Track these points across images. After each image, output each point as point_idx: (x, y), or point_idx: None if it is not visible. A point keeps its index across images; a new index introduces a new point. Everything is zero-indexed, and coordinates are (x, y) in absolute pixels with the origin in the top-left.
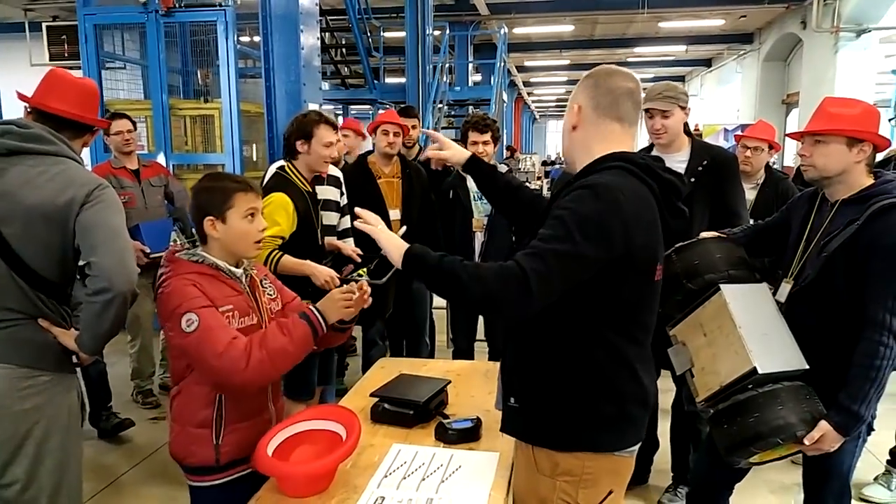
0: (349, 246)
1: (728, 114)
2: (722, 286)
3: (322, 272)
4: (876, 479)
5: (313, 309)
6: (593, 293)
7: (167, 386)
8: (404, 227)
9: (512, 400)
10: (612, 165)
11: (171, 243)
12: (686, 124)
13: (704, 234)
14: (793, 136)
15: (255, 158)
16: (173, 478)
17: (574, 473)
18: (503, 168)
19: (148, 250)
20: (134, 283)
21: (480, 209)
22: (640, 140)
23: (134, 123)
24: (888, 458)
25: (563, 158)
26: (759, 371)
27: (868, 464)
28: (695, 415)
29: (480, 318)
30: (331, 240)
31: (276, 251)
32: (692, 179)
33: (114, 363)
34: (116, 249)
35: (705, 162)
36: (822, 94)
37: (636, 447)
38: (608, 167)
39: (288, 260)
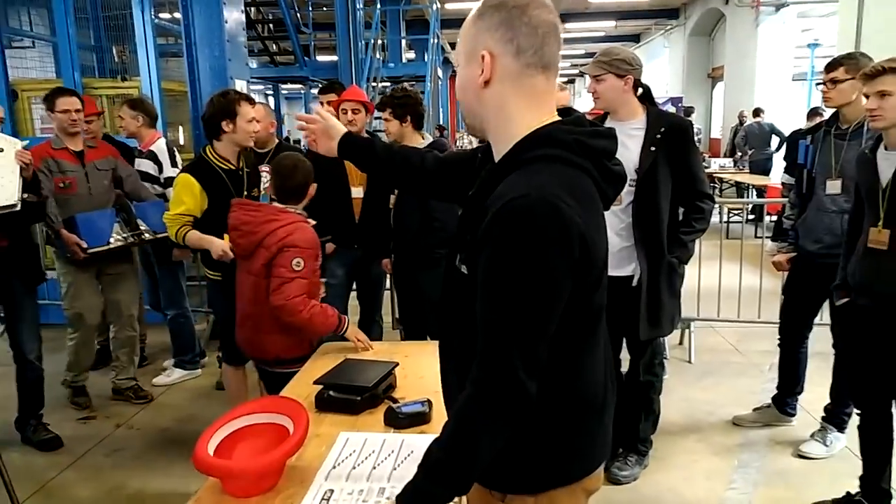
0: None
1: (657, 88)
2: None
3: (217, 245)
4: (812, 435)
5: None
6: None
7: (120, 389)
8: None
9: None
10: (540, 156)
11: (113, 236)
12: (646, 91)
13: None
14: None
15: (181, 142)
16: (107, 477)
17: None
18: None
19: (84, 245)
20: None
21: None
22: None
23: (82, 102)
24: (822, 414)
25: (466, 121)
26: None
27: (803, 422)
28: (649, 384)
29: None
30: None
31: (184, 227)
32: (652, 148)
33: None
34: None
35: (663, 129)
36: (745, 67)
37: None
38: (536, 158)
39: (192, 234)
